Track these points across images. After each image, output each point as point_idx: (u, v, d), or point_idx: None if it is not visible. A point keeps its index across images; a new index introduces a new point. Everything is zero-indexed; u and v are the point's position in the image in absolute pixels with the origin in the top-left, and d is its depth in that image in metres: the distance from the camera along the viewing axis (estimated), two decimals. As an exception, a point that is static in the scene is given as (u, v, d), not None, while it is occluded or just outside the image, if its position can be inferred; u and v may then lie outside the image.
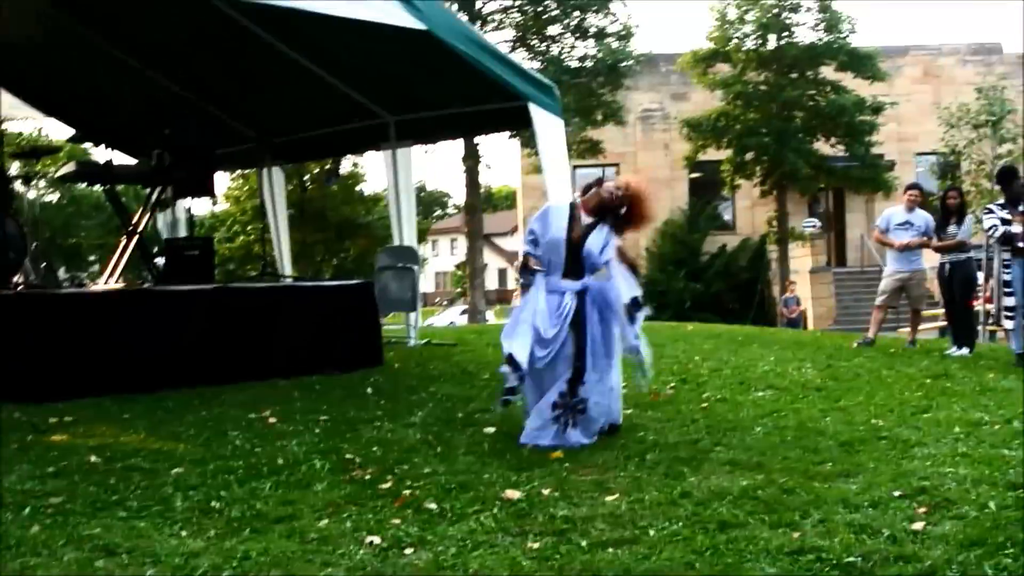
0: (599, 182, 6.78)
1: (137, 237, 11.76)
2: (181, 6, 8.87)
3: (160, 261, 11.11)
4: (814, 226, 34.24)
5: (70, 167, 11.68)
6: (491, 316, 34.93)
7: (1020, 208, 11.44)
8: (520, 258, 6.99)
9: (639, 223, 6.93)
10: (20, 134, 31.45)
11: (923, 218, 12.87)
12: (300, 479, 5.55)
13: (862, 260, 35.36)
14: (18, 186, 11.57)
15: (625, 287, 6.67)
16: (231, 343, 9.12)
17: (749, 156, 31.69)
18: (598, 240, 6.64)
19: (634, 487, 5.39)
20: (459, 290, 65.07)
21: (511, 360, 6.48)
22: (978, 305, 14.93)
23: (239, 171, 30.79)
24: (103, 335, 8.50)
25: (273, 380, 8.86)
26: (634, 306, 6.65)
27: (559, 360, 6.57)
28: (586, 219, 6.68)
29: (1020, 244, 11.29)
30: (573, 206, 6.78)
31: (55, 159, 16.60)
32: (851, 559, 4.25)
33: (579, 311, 6.58)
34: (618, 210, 6.72)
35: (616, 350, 6.79)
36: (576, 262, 6.64)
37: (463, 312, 40.31)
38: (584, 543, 4.47)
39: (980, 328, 15.68)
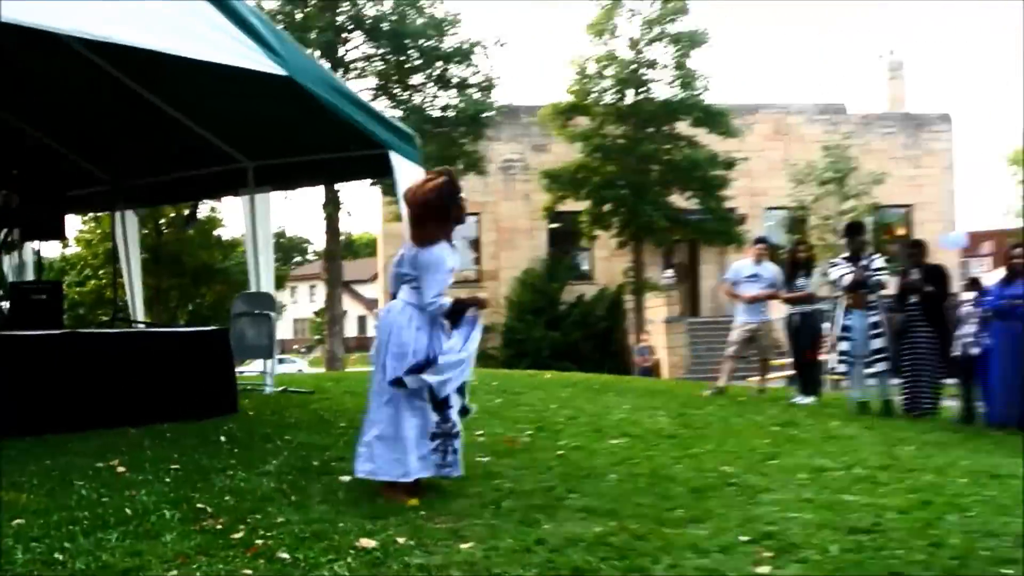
0: None
1: (-19, 280, 11.43)
2: (33, 45, 8.62)
3: (5, 305, 10.74)
4: (672, 278, 34.92)
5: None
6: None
7: (861, 262, 11.89)
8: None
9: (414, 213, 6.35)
10: None
11: (771, 271, 13.25)
12: (149, 529, 5.38)
13: (715, 311, 35.82)
14: None
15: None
16: (80, 390, 8.82)
17: (607, 208, 31.91)
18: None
19: (489, 534, 5.36)
20: (318, 337, 63.36)
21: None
22: (824, 355, 15.37)
23: (91, 214, 30.03)
24: (-58, 381, 8.15)
25: (123, 428, 8.59)
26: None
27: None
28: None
29: (861, 291, 11.72)
30: None
31: None
32: (699, 604, 4.30)
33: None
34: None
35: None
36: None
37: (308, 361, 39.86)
38: (439, 591, 4.38)
39: (825, 377, 16.14)
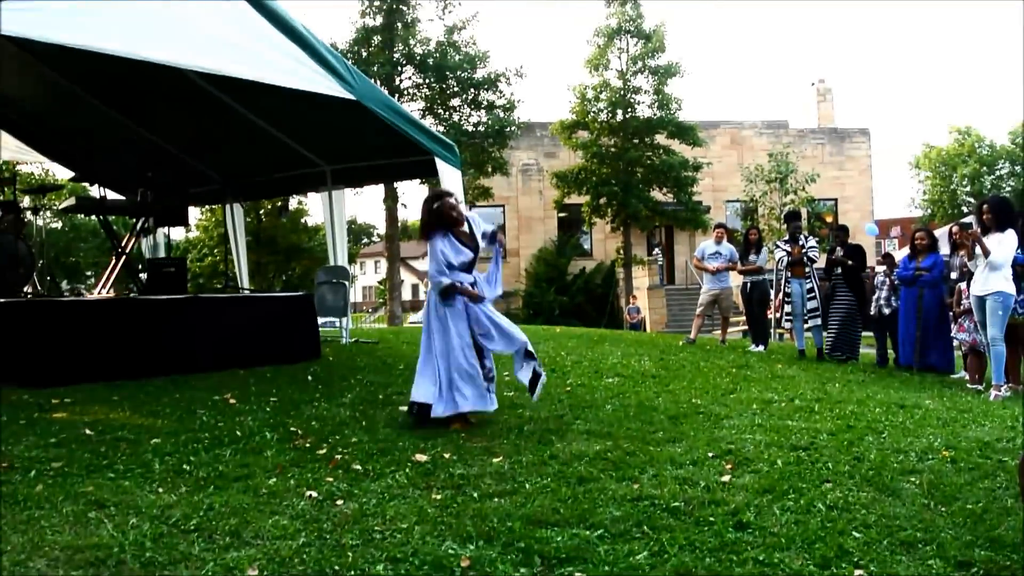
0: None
1: (125, 257, 11.41)
2: (160, 77, 8.60)
3: (144, 276, 10.77)
4: (657, 255, 35.15)
5: (71, 201, 11.27)
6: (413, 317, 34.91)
7: (799, 242, 11.82)
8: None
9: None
10: (31, 174, 30.31)
11: (729, 249, 13.18)
12: (254, 447, 5.39)
13: (687, 280, 36.08)
14: (29, 215, 11.12)
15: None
16: (200, 341, 8.82)
17: (603, 201, 31.80)
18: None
19: (514, 451, 5.34)
20: (381, 300, 63.78)
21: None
22: (771, 314, 15.30)
23: (207, 206, 30.07)
24: (97, 334, 8.16)
25: (233, 370, 8.59)
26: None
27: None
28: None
29: (799, 266, 11.67)
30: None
31: (59, 195, 15.97)
32: (677, 504, 4.29)
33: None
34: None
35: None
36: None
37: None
38: (476, 495, 4.42)
39: (772, 331, 16.07)
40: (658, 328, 30.89)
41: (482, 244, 6.15)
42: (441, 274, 5.88)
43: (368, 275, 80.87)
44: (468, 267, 6.05)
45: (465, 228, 6.06)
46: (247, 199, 14.98)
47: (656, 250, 36.32)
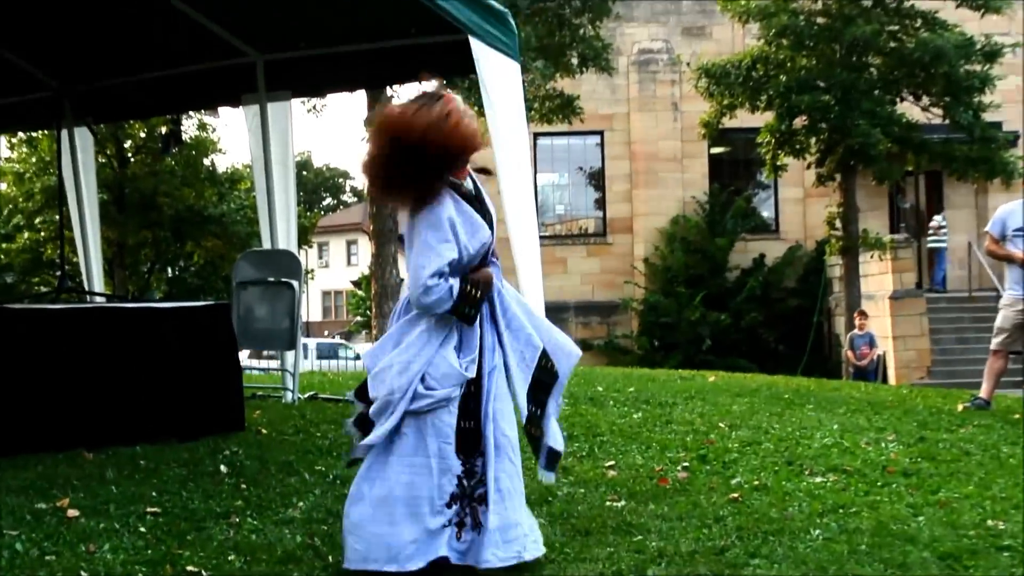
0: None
1: None
2: None
3: None
4: (904, 233, 20.99)
5: None
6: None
7: None
8: None
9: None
10: None
11: None
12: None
13: (971, 282, 20.92)
14: None
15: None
16: (10, 395, 5.59)
17: (800, 123, 17.73)
18: None
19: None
20: (358, 318, 38.85)
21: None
22: None
23: (23, 133, 20.19)
24: None
25: (75, 451, 5.57)
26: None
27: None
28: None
29: None
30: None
31: None
32: None
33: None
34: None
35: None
36: None
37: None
38: None
39: None
40: (913, 376, 18.89)
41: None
42: (441, 277, 3.33)
43: (335, 268, 51.11)
44: (484, 259, 3.54)
45: (468, 182, 3.53)
46: (101, 120, 9.98)
47: (906, 221, 22.12)
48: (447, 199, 3.25)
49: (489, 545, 3.30)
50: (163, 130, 14.77)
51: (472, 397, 3.34)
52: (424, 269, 3.20)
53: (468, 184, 3.46)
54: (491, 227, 3.47)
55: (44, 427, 5.55)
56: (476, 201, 3.47)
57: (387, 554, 3.30)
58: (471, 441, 3.36)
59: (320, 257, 50.79)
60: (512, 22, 5.90)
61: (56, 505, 4.38)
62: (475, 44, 5.57)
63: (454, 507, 3.35)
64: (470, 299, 3.31)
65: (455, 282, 3.30)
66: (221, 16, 7.26)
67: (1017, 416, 7.79)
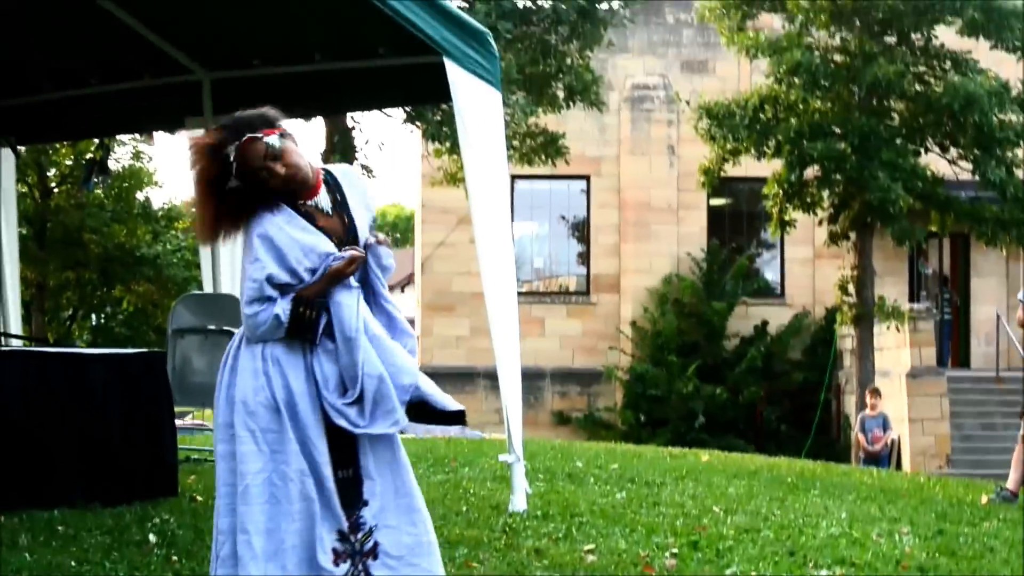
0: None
1: None
2: None
3: None
4: (926, 303, 19.40)
5: None
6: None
7: None
8: None
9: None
10: None
11: None
12: None
13: (998, 358, 19.01)
14: None
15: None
16: None
17: (812, 173, 16.65)
18: None
19: None
20: None
21: None
22: None
23: None
24: None
25: None
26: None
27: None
28: None
29: None
30: None
31: None
32: None
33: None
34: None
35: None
36: None
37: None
38: None
39: None
40: (931, 465, 17.46)
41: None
42: (261, 300, 3.10)
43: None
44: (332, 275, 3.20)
45: (322, 197, 3.27)
46: (23, 142, 9.43)
47: (927, 289, 20.56)
48: (264, 215, 3.07)
49: None
50: (89, 156, 13.04)
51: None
52: (242, 299, 3.07)
53: (322, 196, 3.22)
54: (347, 237, 3.18)
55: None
56: (337, 210, 3.23)
57: None
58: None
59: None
60: (493, 44, 5.50)
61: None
62: (451, 68, 5.14)
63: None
64: (305, 321, 3.08)
65: (284, 304, 3.09)
66: (163, 27, 6.80)
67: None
